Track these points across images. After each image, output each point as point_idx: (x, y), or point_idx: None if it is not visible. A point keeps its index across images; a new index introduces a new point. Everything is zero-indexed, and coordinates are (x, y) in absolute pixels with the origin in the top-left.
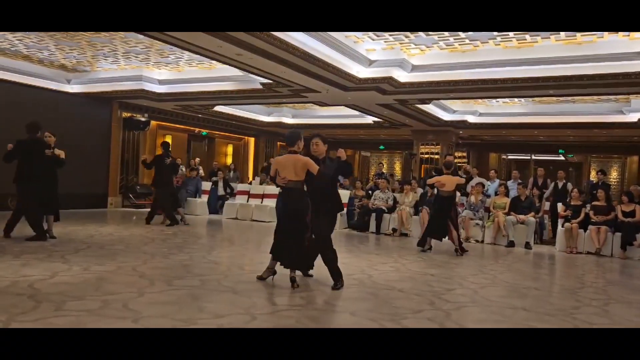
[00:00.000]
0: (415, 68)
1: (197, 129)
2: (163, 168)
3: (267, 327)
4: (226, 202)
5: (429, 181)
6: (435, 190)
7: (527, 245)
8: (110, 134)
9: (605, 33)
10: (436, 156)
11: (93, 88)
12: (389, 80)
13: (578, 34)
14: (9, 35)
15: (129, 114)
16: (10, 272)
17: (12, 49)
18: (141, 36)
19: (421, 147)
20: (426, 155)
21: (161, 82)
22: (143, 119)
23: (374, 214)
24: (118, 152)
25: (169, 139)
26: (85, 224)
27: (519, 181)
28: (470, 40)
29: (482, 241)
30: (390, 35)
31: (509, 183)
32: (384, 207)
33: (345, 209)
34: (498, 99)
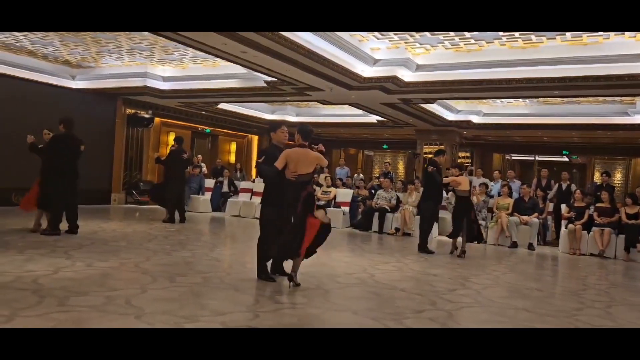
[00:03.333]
0: (419, 67)
1: (200, 127)
2: (178, 163)
3: (269, 326)
4: (229, 199)
5: (446, 180)
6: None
7: (530, 247)
8: (114, 130)
9: (612, 34)
10: None
11: (97, 84)
12: (394, 79)
13: (584, 35)
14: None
15: (133, 111)
16: (14, 267)
17: (17, 44)
18: (146, 33)
19: (425, 146)
20: (430, 155)
21: (165, 79)
22: (147, 116)
23: (376, 214)
24: (122, 148)
25: (172, 136)
26: (89, 220)
27: (514, 180)
28: (475, 40)
29: (485, 242)
30: (395, 34)
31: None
32: (386, 207)
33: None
34: (502, 99)
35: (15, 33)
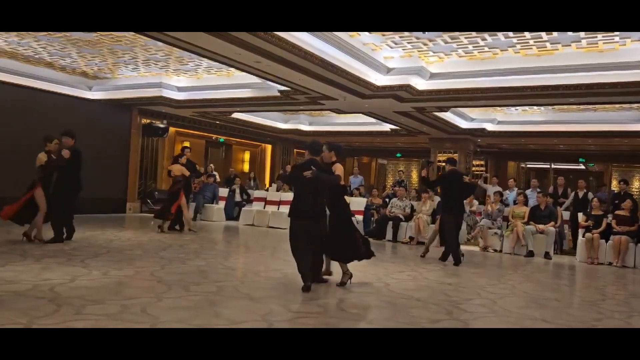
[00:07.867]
0: (433, 76)
1: (214, 136)
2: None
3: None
4: (243, 208)
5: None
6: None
7: (547, 255)
8: (130, 140)
9: (628, 40)
10: None
11: (113, 95)
12: (407, 87)
13: (600, 42)
14: (33, 43)
15: (148, 121)
16: (31, 275)
17: (35, 56)
18: (161, 43)
19: (439, 155)
20: (444, 164)
21: (180, 89)
22: (162, 126)
23: (390, 222)
24: (137, 158)
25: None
26: (104, 229)
27: (538, 190)
28: (489, 48)
29: (501, 251)
30: (409, 42)
31: (528, 192)
32: (401, 215)
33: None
34: (517, 107)
35: (34, 45)
